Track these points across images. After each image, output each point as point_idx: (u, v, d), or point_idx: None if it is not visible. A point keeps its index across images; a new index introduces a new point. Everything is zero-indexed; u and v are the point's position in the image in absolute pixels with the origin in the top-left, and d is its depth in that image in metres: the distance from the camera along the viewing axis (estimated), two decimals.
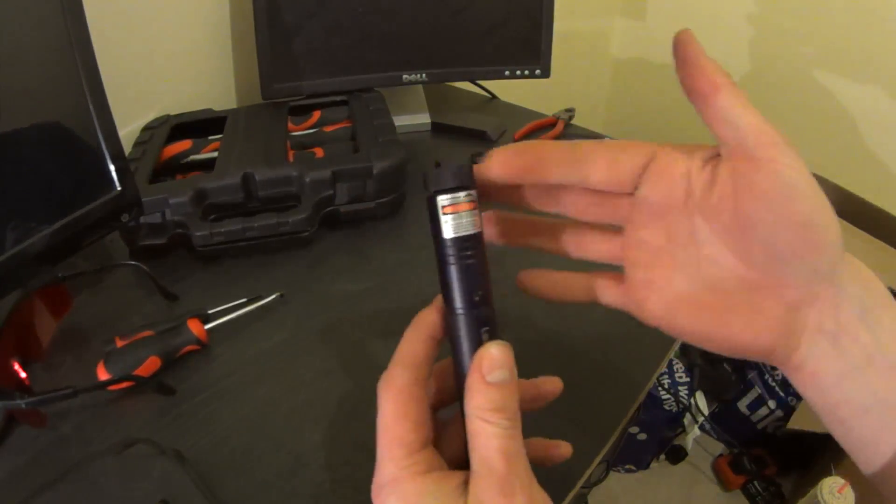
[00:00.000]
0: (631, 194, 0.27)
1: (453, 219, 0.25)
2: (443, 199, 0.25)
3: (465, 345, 0.26)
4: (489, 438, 0.23)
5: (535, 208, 0.29)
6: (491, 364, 0.24)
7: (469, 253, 0.25)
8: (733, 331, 0.25)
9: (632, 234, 0.27)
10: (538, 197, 0.28)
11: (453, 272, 0.26)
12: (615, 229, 0.28)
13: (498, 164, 0.25)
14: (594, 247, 0.29)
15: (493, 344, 0.25)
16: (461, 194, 0.25)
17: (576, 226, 0.30)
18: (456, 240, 0.25)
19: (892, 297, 0.24)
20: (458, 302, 0.26)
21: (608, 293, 0.29)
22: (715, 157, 0.24)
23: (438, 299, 0.28)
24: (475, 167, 0.26)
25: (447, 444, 0.27)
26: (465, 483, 0.24)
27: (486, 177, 0.26)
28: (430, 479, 0.24)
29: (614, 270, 0.29)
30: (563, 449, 0.30)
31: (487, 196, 0.27)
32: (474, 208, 0.25)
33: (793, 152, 0.22)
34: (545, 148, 0.26)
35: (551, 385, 0.30)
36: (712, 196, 0.24)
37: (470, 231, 0.25)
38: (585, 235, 0.29)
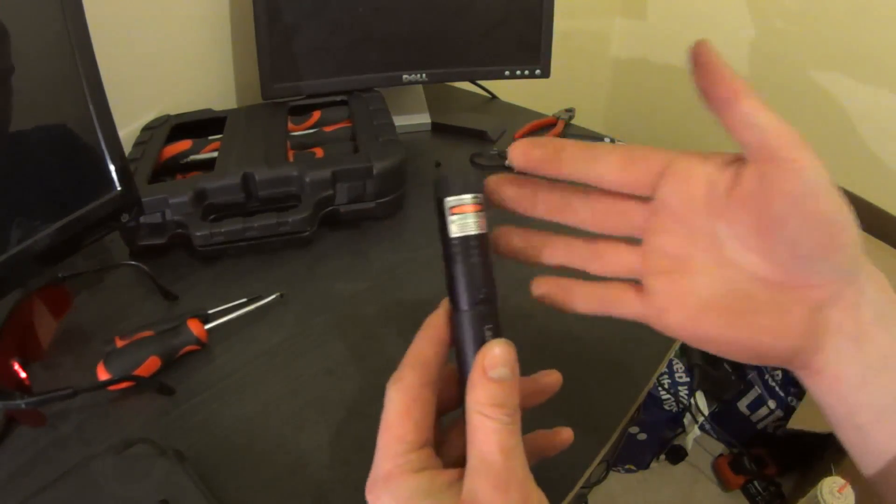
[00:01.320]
0: (646, 201, 0.27)
1: (459, 219, 0.26)
2: (450, 201, 0.26)
3: (468, 342, 0.26)
4: (488, 433, 0.24)
5: (547, 218, 0.29)
6: (493, 360, 0.25)
7: (474, 252, 0.26)
8: (759, 334, 0.25)
9: (650, 242, 0.27)
10: (551, 205, 0.28)
11: (459, 271, 0.27)
12: (631, 242, 0.28)
13: (518, 153, 0.27)
14: (613, 260, 0.29)
15: (496, 342, 0.25)
16: (467, 196, 0.26)
17: (591, 239, 0.29)
18: (462, 238, 0.26)
19: None
20: (463, 300, 0.26)
21: (626, 304, 0.28)
22: (736, 161, 0.25)
23: (446, 302, 0.28)
24: (508, 150, 0.27)
25: (449, 450, 0.28)
26: (458, 480, 0.24)
27: (509, 164, 0.27)
28: (423, 477, 0.24)
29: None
30: (565, 435, 0.30)
31: (502, 203, 0.28)
32: (479, 210, 0.26)
33: (813, 153, 0.23)
34: (562, 142, 0.27)
35: (551, 378, 0.30)
36: (736, 198, 0.24)
37: (475, 231, 0.26)
38: (602, 248, 0.29)
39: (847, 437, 0.26)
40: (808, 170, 0.22)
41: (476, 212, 0.26)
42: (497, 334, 0.26)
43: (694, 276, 0.26)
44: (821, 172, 0.22)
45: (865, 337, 0.24)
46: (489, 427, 0.24)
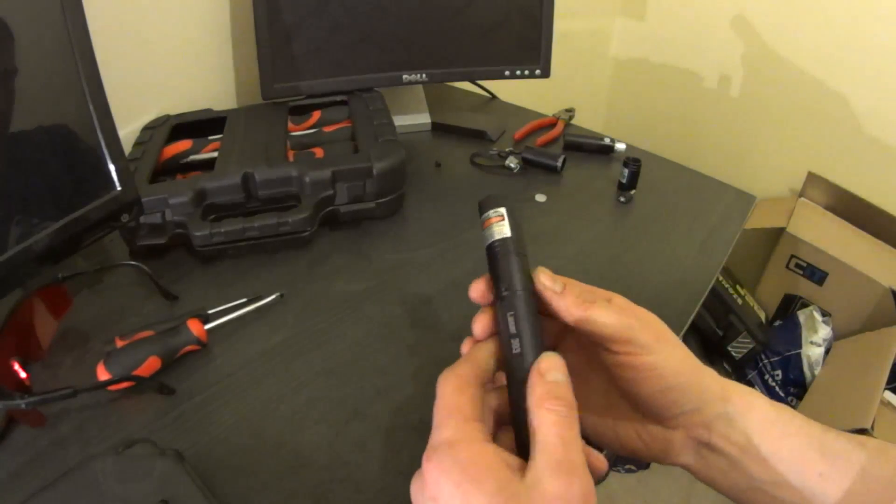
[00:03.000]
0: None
1: (486, 231, 0.33)
2: (483, 217, 0.33)
3: (501, 326, 0.31)
4: (549, 425, 0.26)
5: None
6: (548, 366, 0.28)
7: (496, 254, 0.32)
8: (625, 441, 0.33)
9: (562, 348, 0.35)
10: None
11: (491, 268, 0.32)
12: None
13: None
14: None
15: (547, 354, 0.29)
16: (489, 213, 0.33)
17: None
18: (486, 246, 0.33)
19: (760, 400, 0.31)
20: (494, 291, 0.32)
21: None
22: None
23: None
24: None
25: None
26: (517, 468, 0.26)
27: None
28: (487, 448, 0.26)
29: None
30: (602, 463, 0.32)
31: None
32: (496, 222, 0.33)
33: (660, 342, 0.30)
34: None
35: (600, 463, 0.32)
36: (608, 365, 0.32)
37: (491, 239, 0.32)
38: None
39: None
40: (654, 355, 0.30)
41: (490, 225, 0.32)
42: (520, 322, 0.30)
43: (588, 390, 0.34)
44: (666, 357, 0.30)
45: (719, 438, 0.31)
46: (550, 419, 0.26)
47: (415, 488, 0.27)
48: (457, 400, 0.28)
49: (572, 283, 0.32)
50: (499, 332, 0.31)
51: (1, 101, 0.40)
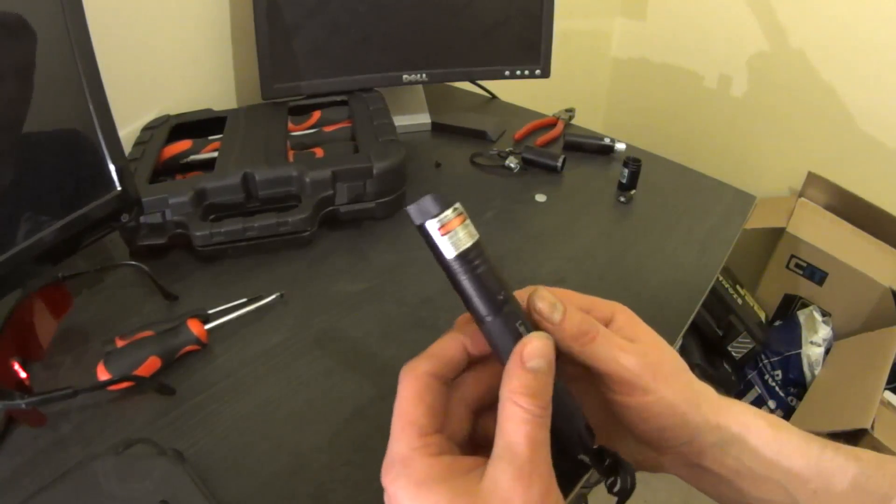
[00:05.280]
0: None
1: (450, 238, 0.26)
2: (434, 223, 0.26)
3: (506, 344, 0.27)
4: (518, 423, 0.24)
5: None
6: (531, 352, 0.25)
7: (476, 262, 0.26)
8: (622, 450, 0.32)
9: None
10: None
11: (470, 285, 0.26)
12: None
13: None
14: None
15: (536, 334, 0.26)
16: (448, 212, 0.25)
17: None
18: (459, 255, 0.26)
19: (758, 421, 0.30)
20: (486, 310, 0.26)
21: None
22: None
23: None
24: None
25: (476, 438, 0.29)
26: (477, 468, 0.25)
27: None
28: (440, 461, 0.25)
29: None
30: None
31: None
32: (464, 221, 0.26)
33: (652, 375, 0.29)
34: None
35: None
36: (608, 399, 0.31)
37: (469, 243, 0.26)
38: None
39: None
40: (650, 396, 0.29)
41: (462, 224, 0.26)
42: (529, 328, 0.27)
43: (593, 399, 0.32)
44: (662, 397, 0.29)
45: (712, 461, 0.30)
46: (520, 417, 0.24)
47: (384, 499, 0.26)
48: (413, 411, 0.26)
49: (572, 304, 0.29)
50: (496, 342, 0.27)
51: (1, 102, 0.40)
